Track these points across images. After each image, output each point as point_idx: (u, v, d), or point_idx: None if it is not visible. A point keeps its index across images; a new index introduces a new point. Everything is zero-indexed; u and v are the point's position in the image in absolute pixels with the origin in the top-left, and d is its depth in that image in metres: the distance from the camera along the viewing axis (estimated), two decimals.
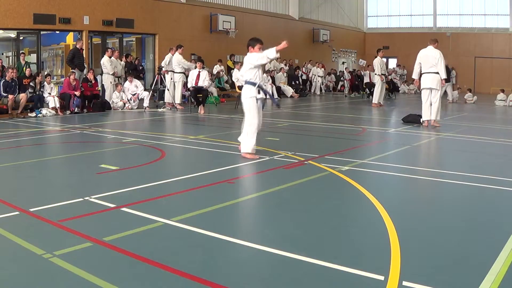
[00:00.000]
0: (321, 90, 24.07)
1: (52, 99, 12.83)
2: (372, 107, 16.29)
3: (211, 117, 12.61)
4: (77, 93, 13.10)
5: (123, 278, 2.94)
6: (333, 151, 7.42)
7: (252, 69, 6.72)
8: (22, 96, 12.16)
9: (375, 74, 17.11)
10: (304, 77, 23.98)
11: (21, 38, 16.55)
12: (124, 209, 4.30)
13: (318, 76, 23.76)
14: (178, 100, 14.96)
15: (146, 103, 14.30)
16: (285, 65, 23.06)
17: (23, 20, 15.02)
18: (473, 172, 6.00)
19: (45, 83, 13.11)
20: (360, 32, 32.57)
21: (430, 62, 10.57)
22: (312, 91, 23.90)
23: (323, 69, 24.51)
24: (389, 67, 27.87)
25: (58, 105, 12.88)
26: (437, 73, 10.50)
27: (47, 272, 3.02)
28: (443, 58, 10.55)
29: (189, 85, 14.22)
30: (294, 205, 4.63)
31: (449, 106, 18.24)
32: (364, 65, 22.54)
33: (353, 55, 31.21)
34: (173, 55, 15.14)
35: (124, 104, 14.34)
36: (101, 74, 14.96)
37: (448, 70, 20.19)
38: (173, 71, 15.07)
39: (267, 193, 5.00)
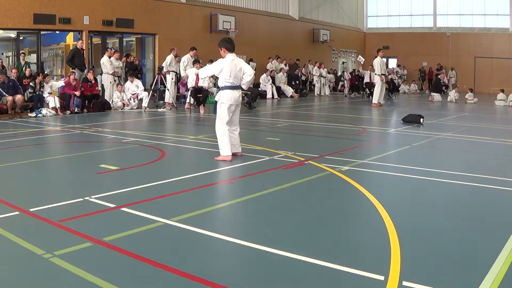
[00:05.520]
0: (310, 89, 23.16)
1: (52, 99, 12.83)
2: (372, 107, 16.29)
3: (211, 117, 12.58)
4: (77, 93, 13.10)
5: (123, 278, 2.94)
6: (333, 151, 7.42)
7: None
8: (19, 96, 12.12)
9: (375, 74, 17.12)
10: (303, 77, 23.90)
11: (21, 38, 16.54)
12: (124, 209, 4.30)
13: (316, 76, 23.62)
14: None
15: (145, 103, 14.30)
16: (285, 65, 23.00)
17: (23, 20, 15.01)
18: (473, 172, 6.00)
19: (44, 83, 13.11)
20: (360, 32, 32.56)
21: None
22: (317, 92, 23.20)
23: (321, 69, 24.41)
24: (389, 66, 27.83)
25: (58, 105, 12.89)
26: None
27: (47, 272, 3.02)
28: None
29: (189, 85, 14.22)
30: (294, 205, 4.63)
31: (449, 106, 18.25)
32: (362, 62, 22.43)
33: (353, 55, 31.19)
34: (174, 55, 15.40)
35: (124, 104, 14.34)
36: (101, 74, 14.97)
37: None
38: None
39: (267, 193, 4.99)
